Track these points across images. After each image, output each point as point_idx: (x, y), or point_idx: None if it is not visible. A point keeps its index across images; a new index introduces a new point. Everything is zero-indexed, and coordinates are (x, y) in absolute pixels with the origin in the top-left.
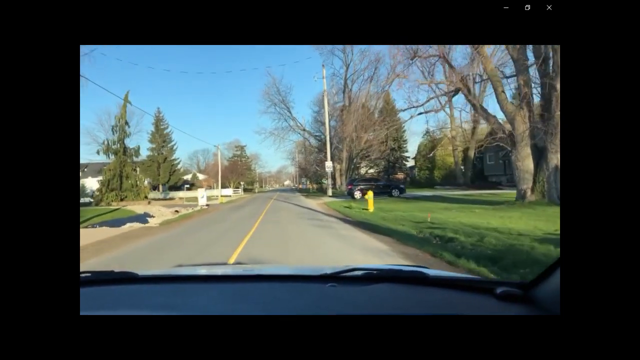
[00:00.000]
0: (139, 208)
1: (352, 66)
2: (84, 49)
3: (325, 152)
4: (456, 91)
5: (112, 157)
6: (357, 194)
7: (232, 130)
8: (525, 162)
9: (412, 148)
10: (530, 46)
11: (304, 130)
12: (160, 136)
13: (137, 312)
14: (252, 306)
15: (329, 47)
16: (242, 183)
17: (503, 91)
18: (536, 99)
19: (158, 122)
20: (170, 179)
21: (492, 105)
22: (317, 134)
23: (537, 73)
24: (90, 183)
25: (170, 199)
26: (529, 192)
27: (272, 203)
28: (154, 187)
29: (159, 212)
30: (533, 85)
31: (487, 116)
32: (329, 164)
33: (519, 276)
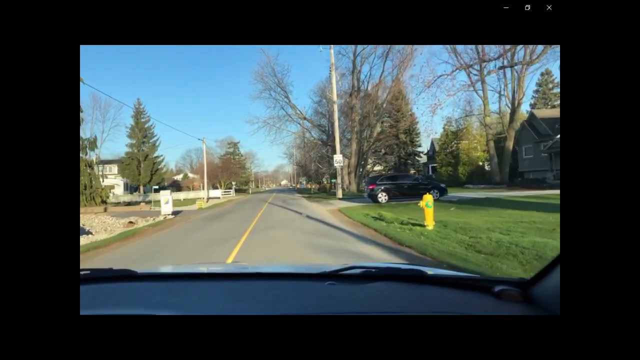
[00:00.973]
0: (86, 218)
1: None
2: None
3: (332, 144)
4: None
5: None
6: (382, 197)
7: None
8: None
9: (425, 143)
10: None
11: (305, 119)
12: (141, 130)
13: (137, 310)
14: (251, 305)
15: None
16: (233, 183)
17: None
18: None
19: (138, 114)
20: (152, 179)
21: None
22: (319, 124)
23: None
24: None
25: (148, 202)
26: None
27: (266, 209)
28: (135, 189)
29: (104, 226)
30: None
31: None
32: (338, 158)
33: None
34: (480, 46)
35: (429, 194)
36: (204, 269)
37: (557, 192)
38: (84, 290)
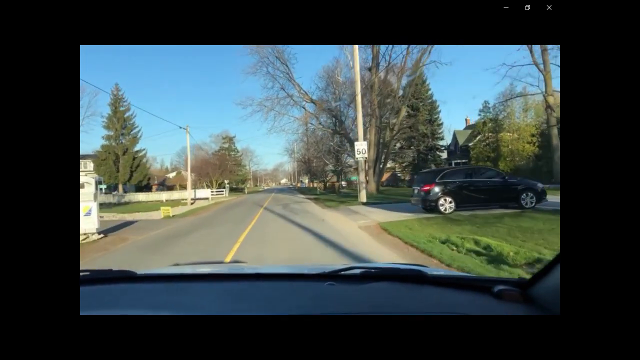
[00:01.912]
0: None
1: None
2: None
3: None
4: None
5: None
6: (446, 205)
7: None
8: None
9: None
10: None
11: (312, 101)
12: (119, 120)
13: (136, 311)
14: (251, 305)
15: None
16: (226, 182)
17: None
18: None
19: (116, 102)
20: (132, 177)
21: None
22: (328, 107)
23: None
24: None
25: (125, 203)
26: None
27: (259, 222)
28: (113, 188)
29: None
30: None
31: None
32: (361, 146)
33: None
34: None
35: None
36: (203, 270)
37: None
38: (84, 291)
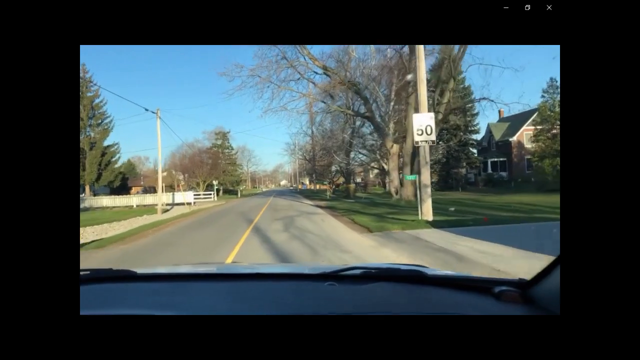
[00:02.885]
0: None
1: None
2: None
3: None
4: None
5: None
6: None
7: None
8: None
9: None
10: None
11: (326, 69)
12: (86, 108)
13: (137, 310)
14: (251, 305)
15: None
16: (215, 183)
17: None
18: None
19: (82, 85)
20: (101, 176)
21: None
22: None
23: None
24: None
25: (83, 209)
26: None
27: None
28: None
29: None
30: None
31: None
32: (424, 119)
33: None
34: None
35: None
36: (203, 270)
37: None
38: (84, 290)
